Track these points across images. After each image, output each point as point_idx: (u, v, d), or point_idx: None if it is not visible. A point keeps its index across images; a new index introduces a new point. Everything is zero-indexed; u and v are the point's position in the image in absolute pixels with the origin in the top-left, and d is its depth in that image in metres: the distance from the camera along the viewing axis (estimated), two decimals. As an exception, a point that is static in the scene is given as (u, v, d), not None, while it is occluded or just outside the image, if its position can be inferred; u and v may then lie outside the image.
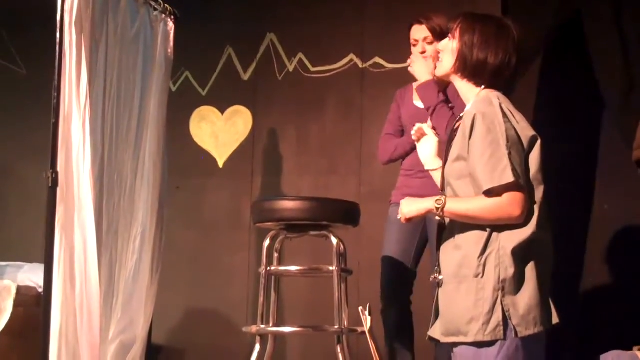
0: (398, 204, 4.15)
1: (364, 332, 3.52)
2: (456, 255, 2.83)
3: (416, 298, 4.22)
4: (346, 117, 5.61)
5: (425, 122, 3.99)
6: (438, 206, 2.81)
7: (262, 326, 4.00)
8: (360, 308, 3.49)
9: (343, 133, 5.61)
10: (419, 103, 4.20)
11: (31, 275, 4.78)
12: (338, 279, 3.95)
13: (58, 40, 3.83)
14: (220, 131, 5.99)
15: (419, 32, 4.17)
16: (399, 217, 3.04)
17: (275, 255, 4.15)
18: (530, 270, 2.74)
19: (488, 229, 2.76)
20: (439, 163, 3.13)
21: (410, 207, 2.97)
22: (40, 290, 3.96)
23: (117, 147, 4.51)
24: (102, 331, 4.13)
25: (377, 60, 5.55)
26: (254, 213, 4.17)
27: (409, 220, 2.99)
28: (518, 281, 2.72)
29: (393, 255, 4.16)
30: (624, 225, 4.84)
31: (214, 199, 5.93)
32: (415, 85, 4.17)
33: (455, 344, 2.78)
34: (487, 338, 2.68)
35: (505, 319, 2.69)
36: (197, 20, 5.78)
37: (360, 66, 5.62)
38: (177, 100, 5.55)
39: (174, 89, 5.79)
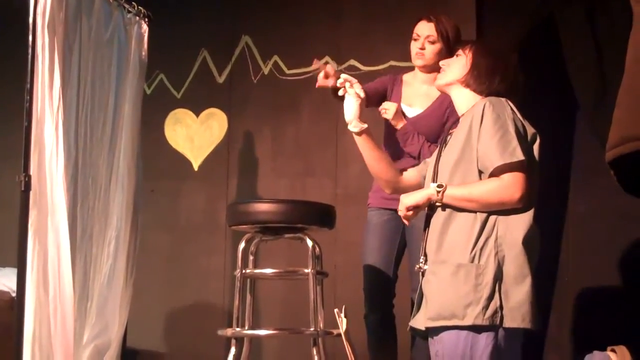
0: (377, 208, 4.20)
1: (339, 334, 3.52)
2: (451, 241, 2.89)
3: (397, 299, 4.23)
4: (322, 120, 5.60)
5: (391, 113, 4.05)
6: (439, 190, 2.88)
7: (238, 329, 3.98)
8: (336, 310, 3.50)
9: (319, 135, 5.61)
10: (406, 107, 4.19)
11: (4, 280, 4.75)
12: (314, 281, 3.95)
13: (30, 43, 3.80)
14: (195, 134, 5.97)
15: (426, 29, 4.11)
16: (399, 214, 3.08)
17: (251, 257, 4.14)
18: (527, 264, 2.81)
19: (483, 214, 2.83)
20: (360, 126, 3.21)
21: (409, 198, 3.01)
22: (14, 294, 3.92)
23: (91, 150, 4.48)
24: (76, 336, 4.11)
25: (353, 62, 5.54)
26: (229, 216, 4.15)
27: (409, 211, 3.02)
28: (516, 273, 2.79)
29: (374, 262, 4.17)
30: (599, 225, 4.86)
31: (189, 202, 5.90)
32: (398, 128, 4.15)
33: (443, 329, 2.82)
34: (486, 322, 2.75)
35: (501, 307, 2.76)
36: (171, 23, 5.77)
37: (336, 68, 5.60)
38: (151, 103, 5.53)
39: (148, 92, 5.76)
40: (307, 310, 3.94)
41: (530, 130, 2.97)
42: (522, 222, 2.84)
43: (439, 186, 2.90)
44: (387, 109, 4.11)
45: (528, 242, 2.82)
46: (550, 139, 4.91)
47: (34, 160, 3.77)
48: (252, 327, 4.23)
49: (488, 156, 2.86)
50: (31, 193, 3.70)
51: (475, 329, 2.76)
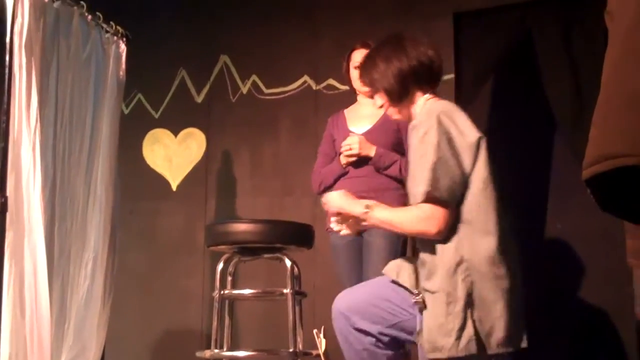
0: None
1: (318, 355, 3.50)
2: (423, 270, 2.88)
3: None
4: (300, 139, 5.60)
5: (357, 147, 4.07)
6: (366, 210, 2.90)
7: (216, 350, 3.96)
8: (315, 331, 3.48)
9: (297, 154, 5.61)
10: (354, 128, 4.23)
11: (-20, 302, 4.69)
12: (292, 301, 3.94)
13: (7, 62, 3.78)
14: (173, 154, 5.96)
15: (364, 54, 4.17)
16: (325, 209, 3.14)
17: (229, 278, 4.13)
18: (497, 285, 2.78)
19: (451, 241, 2.82)
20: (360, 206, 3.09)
21: (337, 201, 3.05)
22: (-10, 316, 3.88)
23: (68, 170, 4.45)
24: (53, 357, 4.06)
25: (331, 82, 5.56)
26: (207, 236, 4.14)
27: (335, 215, 3.04)
28: (486, 296, 2.76)
29: (348, 280, 4.16)
30: (576, 243, 4.88)
31: (167, 222, 5.88)
32: None
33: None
34: (461, 354, 2.72)
35: (478, 334, 2.73)
36: (149, 43, 5.76)
37: (314, 88, 5.62)
38: (129, 123, 5.51)
39: (126, 112, 5.75)
40: (286, 330, 3.92)
41: (471, 140, 2.89)
42: (486, 242, 2.80)
43: (367, 206, 2.93)
44: (351, 144, 4.11)
45: (495, 262, 2.79)
46: (528, 155, 4.99)
47: (11, 181, 3.74)
48: (230, 349, 4.21)
49: (412, 182, 2.89)
50: (8, 214, 3.66)
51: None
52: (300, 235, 4.06)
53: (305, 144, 5.55)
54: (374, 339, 3.02)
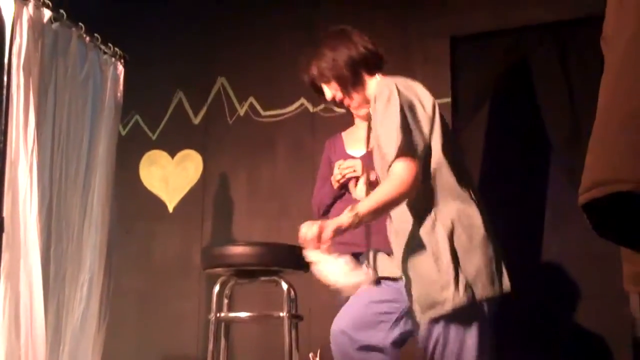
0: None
1: (314, 379, 3.49)
2: (398, 242, 2.98)
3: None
4: (297, 161, 5.61)
5: (359, 168, 4.05)
6: (353, 213, 2.81)
7: (212, 374, 3.94)
8: (310, 354, 3.48)
9: (294, 177, 5.61)
10: (351, 151, 4.23)
11: (-25, 323, 4.67)
12: (288, 325, 3.92)
13: (5, 83, 3.79)
14: (170, 175, 5.96)
15: None
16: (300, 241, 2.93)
17: (225, 301, 4.11)
18: (472, 235, 2.85)
19: (422, 203, 2.87)
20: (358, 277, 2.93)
21: (312, 229, 2.84)
22: (-16, 338, 3.87)
23: (65, 191, 4.45)
24: (48, 380, 4.05)
25: (328, 104, 5.56)
26: (203, 259, 4.13)
27: (315, 241, 2.84)
28: (464, 246, 2.82)
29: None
30: (572, 267, 4.87)
31: (163, 244, 5.87)
32: None
33: (437, 320, 2.83)
34: (463, 302, 2.76)
35: (467, 282, 2.78)
36: (147, 64, 5.77)
37: (311, 110, 5.63)
38: (126, 144, 5.51)
39: (123, 133, 5.76)
40: (282, 354, 3.91)
41: (431, 103, 2.96)
42: (455, 201, 2.88)
43: (350, 210, 2.81)
44: (352, 166, 4.10)
45: (467, 214, 2.87)
46: (523, 179, 4.99)
47: (7, 201, 3.74)
48: (226, 371, 4.19)
49: (382, 152, 2.87)
50: (4, 235, 3.66)
51: (460, 310, 2.77)
52: (297, 258, 4.02)
53: (302, 166, 5.55)
54: (380, 355, 3.02)
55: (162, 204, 5.94)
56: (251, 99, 5.84)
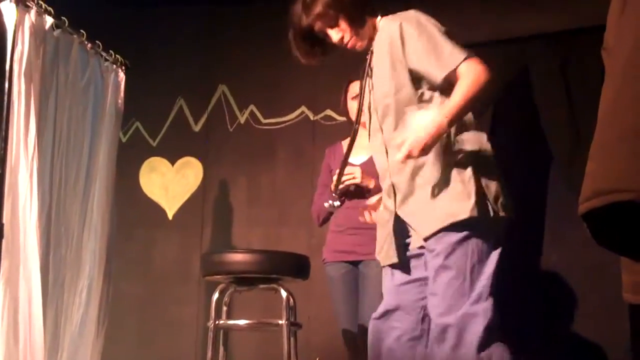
0: (332, 262, 4.21)
1: (313, 386, 3.49)
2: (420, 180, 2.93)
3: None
4: (297, 169, 5.61)
5: (359, 175, 4.05)
6: (443, 119, 2.75)
7: (211, 381, 3.94)
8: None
9: (294, 185, 5.61)
10: (352, 158, 4.23)
11: (-26, 329, 4.67)
12: (287, 332, 3.92)
13: (7, 89, 3.80)
14: (170, 182, 5.96)
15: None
16: (400, 158, 2.80)
17: (224, 308, 4.11)
18: (489, 160, 2.94)
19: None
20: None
21: (419, 137, 2.74)
22: (-17, 344, 3.86)
23: (65, 198, 4.45)
24: (46, 387, 4.04)
25: (329, 112, 5.57)
26: (203, 266, 4.13)
27: (421, 153, 2.77)
28: (484, 168, 2.89)
29: (345, 312, 4.16)
30: (572, 276, 4.87)
31: (163, 251, 5.87)
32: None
33: (440, 232, 2.82)
34: (480, 214, 2.79)
35: (488, 197, 2.84)
36: (148, 71, 5.78)
37: (312, 118, 5.64)
38: (127, 151, 5.52)
39: (124, 140, 5.76)
40: (280, 361, 3.90)
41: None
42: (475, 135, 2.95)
43: (441, 114, 2.76)
44: (352, 173, 4.10)
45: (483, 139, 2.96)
46: (524, 189, 4.99)
47: (7, 207, 3.75)
48: (224, 379, 4.18)
49: (431, 72, 2.87)
50: (3, 241, 3.66)
51: (473, 224, 2.79)
52: (296, 266, 4.05)
53: (302, 174, 5.55)
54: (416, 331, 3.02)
55: (161, 210, 5.94)
56: (252, 107, 5.84)
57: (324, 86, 5.61)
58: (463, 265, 2.81)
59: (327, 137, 5.18)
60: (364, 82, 3.13)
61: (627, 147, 1.36)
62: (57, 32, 4.33)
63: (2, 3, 3.92)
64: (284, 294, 3.97)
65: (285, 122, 5.72)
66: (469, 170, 2.85)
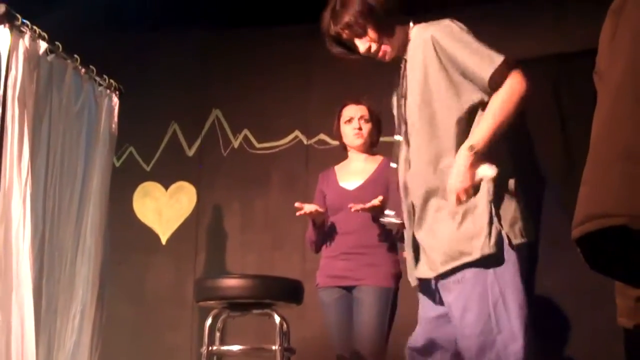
0: (325, 288, 4.19)
1: (307, 412, 3.47)
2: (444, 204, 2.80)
3: None
4: (291, 193, 5.60)
5: (351, 202, 4.02)
6: (469, 152, 2.70)
7: (204, 407, 3.91)
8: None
9: (288, 209, 5.58)
10: (345, 184, 4.24)
11: (-35, 355, 4.64)
12: (281, 358, 3.90)
13: (0, 114, 3.79)
14: (163, 207, 5.95)
15: (357, 110, 4.25)
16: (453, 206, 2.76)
17: (217, 334, 4.09)
18: (507, 184, 2.81)
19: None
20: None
21: (457, 183, 2.70)
22: (-26, 371, 3.83)
23: (58, 223, 4.43)
24: (38, 413, 4.01)
25: (322, 137, 5.58)
26: (196, 291, 4.12)
27: (467, 197, 2.72)
28: (501, 193, 2.77)
29: (339, 338, 4.15)
30: (565, 299, 4.87)
31: (156, 276, 5.85)
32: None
33: (455, 270, 2.73)
34: (493, 250, 2.68)
35: (500, 230, 2.72)
36: (142, 96, 5.78)
37: (305, 143, 5.65)
38: (120, 176, 5.51)
39: (117, 164, 5.75)
40: (274, 387, 3.89)
41: None
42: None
43: (469, 148, 2.69)
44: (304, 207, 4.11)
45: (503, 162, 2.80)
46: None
47: (0, 232, 3.73)
48: (217, 406, 4.16)
49: (476, 73, 2.77)
50: (-4, 266, 3.65)
51: (488, 259, 2.69)
52: (289, 291, 4.04)
53: (295, 199, 5.50)
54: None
55: (155, 235, 5.93)
56: (245, 131, 5.85)
57: (317, 110, 5.63)
58: (485, 303, 2.71)
59: (321, 161, 5.19)
60: (398, 91, 3.02)
61: (618, 171, 1.36)
62: (51, 57, 4.33)
63: (-4, 28, 3.93)
64: (277, 319, 3.95)
65: (278, 146, 5.73)
66: (482, 199, 2.73)
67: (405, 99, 2.96)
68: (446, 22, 2.87)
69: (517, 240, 2.75)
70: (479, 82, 2.78)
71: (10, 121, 3.87)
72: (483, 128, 2.73)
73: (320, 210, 4.10)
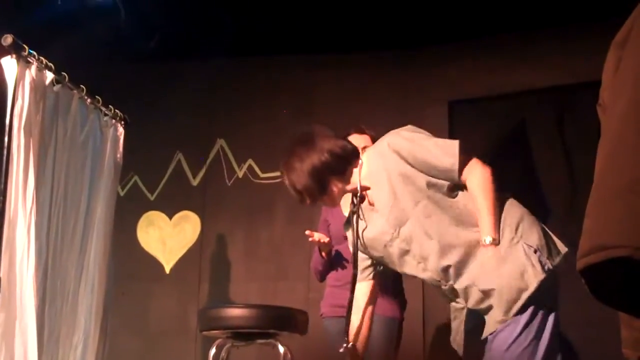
0: (330, 317, 4.18)
1: None
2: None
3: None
4: (295, 223, 5.61)
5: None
6: (490, 242, 2.85)
7: None
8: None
9: (292, 239, 5.61)
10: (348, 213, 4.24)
11: (-32, 384, 4.62)
12: (285, 388, 3.89)
13: (6, 144, 3.81)
14: (167, 236, 5.95)
15: (361, 140, 4.26)
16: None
17: (222, 364, 4.08)
18: (525, 211, 3.00)
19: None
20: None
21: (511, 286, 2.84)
22: (-23, 400, 3.82)
23: (61, 252, 4.44)
24: None
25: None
26: (200, 321, 4.11)
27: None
28: (526, 224, 2.92)
29: None
30: (570, 332, 4.84)
31: (160, 306, 5.84)
32: None
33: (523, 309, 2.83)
34: (542, 276, 2.82)
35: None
36: (147, 125, 5.80)
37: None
38: (125, 205, 5.52)
39: (122, 193, 5.76)
40: (278, 418, 3.87)
41: None
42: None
43: (492, 241, 2.86)
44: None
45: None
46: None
47: (5, 261, 3.73)
48: None
49: (442, 168, 2.93)
50: (0, 295, 3.64)
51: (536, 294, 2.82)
52: (294, 321, 4.03)
53: (299, 228, 5.52)
54: None
55: (159, 265, 5.93)
56: (250, 161, 5.87)
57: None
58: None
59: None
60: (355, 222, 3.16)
61: (622, 203, 1.37)
62: (57, 87, 4.35)
63: (3, 59, 3.95)
64: (281, 349, 3.94)
65: (283, 176, 5.73)
66: (508, 237, 2.88)
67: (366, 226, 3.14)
68: (392, 132, 3.04)
69: (551, 261, 2.92)
70: (447, 172, 2.97)
71: (15, 151, 3.88)
72: (485, 216, 2.93)
73: (327, 239, 4.11)
